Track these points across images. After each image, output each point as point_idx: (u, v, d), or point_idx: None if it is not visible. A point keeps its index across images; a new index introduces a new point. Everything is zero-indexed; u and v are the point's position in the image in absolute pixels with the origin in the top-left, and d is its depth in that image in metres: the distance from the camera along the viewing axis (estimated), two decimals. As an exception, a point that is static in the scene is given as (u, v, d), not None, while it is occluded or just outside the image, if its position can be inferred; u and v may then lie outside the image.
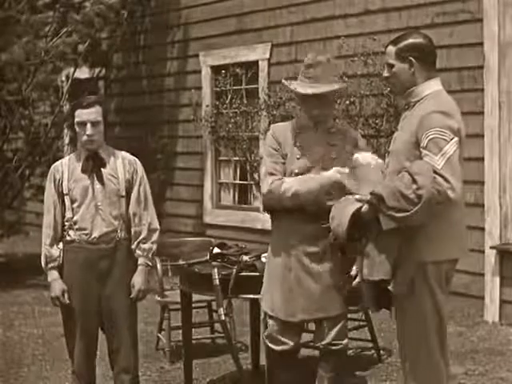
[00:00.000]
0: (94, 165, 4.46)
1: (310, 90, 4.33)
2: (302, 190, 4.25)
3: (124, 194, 4.48)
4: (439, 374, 3.70)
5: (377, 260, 3.61)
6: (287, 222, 4.39)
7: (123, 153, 4.60)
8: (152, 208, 4.58)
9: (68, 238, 4.46)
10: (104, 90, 11.67)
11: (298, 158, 4.38)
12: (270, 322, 4.49)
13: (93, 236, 4.42)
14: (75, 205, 4.43)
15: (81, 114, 4.40)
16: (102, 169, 4.46)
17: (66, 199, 4.45)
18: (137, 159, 4.61)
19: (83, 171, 4.45)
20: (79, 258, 4.44)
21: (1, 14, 9.35)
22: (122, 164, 4.51)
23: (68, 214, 4.45)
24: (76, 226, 4.43)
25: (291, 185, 4.27)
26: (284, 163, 4.39)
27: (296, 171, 4.35)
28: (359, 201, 3.61)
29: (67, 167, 4.50)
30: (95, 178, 4.44)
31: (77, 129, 4.44)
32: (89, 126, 4.39)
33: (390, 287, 3.65)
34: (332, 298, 4.33)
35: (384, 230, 3.52)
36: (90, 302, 4.43)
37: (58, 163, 4.58)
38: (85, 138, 4.41)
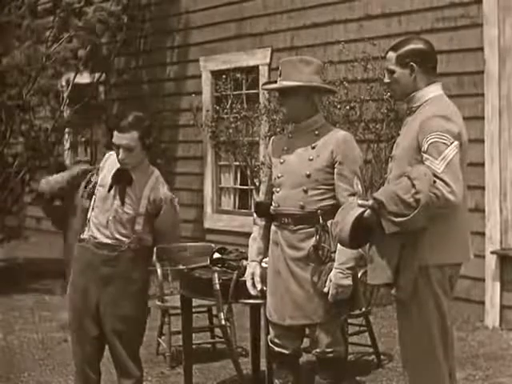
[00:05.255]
0: (120, 181, 4.37)
1: (270, 86, 4.37)
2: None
3: (142, 211, 4.36)
4: (442, 379, 3.69)
5: (379, 264, 3.61)
6: (275, 228, 4.44)
7: (159, 178, 4.43)
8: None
9: (82, 235, 4.47)
10: (104, 94, 11.67)
11: (281, 163, 4.42)
12: (270, 326, 4.51)
13: (98, 241, 4.40)
14: (95, 206, 4.43)
15: (115, 137, 4.31)
16: (128, 187, 4.36)
17: (93, 198, 4.46)
18: (168, 194, 4.40)
19: (112, 179, 4.39)
20: (83, 259, 4.43)
21: (2, 19, 9.37)
22: (149, 187, 4.37)
23: (89, 214, 4.46)
24: (89, 226, 4.45)
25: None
26: (271, 173, 4.51)
27: (279, 175, 4.40)
28: (362, 206, 3.61)
29: (108, 166, 4.45)
30: (118, 193, 4.37)
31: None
32: (121, 150, 4.30)
33: (392, 291, 3.65)
34: (316, 306, 4.29)
35: (387, 233, 3.52)
36: (88, 304, 4.41)
37: (107, 155, 4.53)
38: (118, 158, 4.35)
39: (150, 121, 4.43)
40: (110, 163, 4.48)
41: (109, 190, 4.39)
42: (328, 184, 4.31)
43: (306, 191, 4.31)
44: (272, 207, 4.46)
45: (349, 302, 4.33)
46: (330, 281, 4.19)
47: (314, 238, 4.28)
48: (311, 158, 4.32)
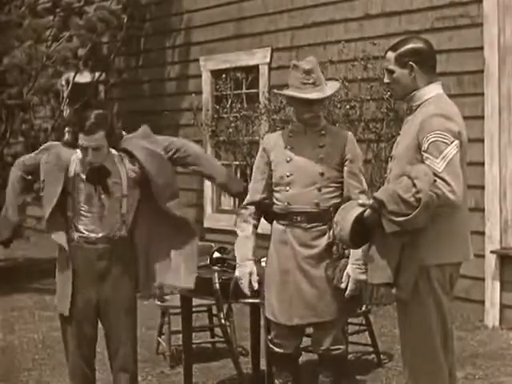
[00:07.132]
0: (98, 176, 4.36)
1: (315, 95, 4.35)
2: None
3: (126, 193, 4.40)
4: (442, 379, 3.69)
5: (380, 263, 3.62)
6: (282, 227, 4.43)
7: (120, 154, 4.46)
8: None
9: (68, 236, 4.40)
10: (104, 94, 11.67)
11: (287, 161, 4.41)
12: (272, 326, 4.51)
13: (92, 237, 4.38)
14: (80, 209, 4.38)
15: (82, 139, 4.28)
16: (108, 178, 4.37)
17: (70, 199, 4.39)
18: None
19: (88, 181, 4.37)
20: (78, 258, 4.39)
21: (2, 18, 9.37)
22: (124, 166, 4.41)
23: (69, 213, 4.39)
24: (76, 228, 4.39)
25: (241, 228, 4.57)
26: (270, 171, 4.48)
27: (287, 174, 4.39)
28: (362, 205, 3.62)
29: (75, 164, 4.41)
30: (101, 189, 4.37)
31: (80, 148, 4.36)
32: (90, 151, 4.28)
33: (393, 291, 3.65)
34: (327, 304, 4.33)
35: (387, 233, 3.52)
36: (88, 303, 4.40)
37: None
38: (87, 160, 4.33)
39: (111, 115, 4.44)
40: (75, 164, 4.43)
41: (95, 189, 4.37)
42: (338, 182, 4.39)
43: (319, 189, 4.35)
44: (279, 206, 4.45)
45: (359, 298, 4.38)
46: (348, 276, 4.23)
47: (326, 236, 4.32)
48: (322, 156, 4.36)
